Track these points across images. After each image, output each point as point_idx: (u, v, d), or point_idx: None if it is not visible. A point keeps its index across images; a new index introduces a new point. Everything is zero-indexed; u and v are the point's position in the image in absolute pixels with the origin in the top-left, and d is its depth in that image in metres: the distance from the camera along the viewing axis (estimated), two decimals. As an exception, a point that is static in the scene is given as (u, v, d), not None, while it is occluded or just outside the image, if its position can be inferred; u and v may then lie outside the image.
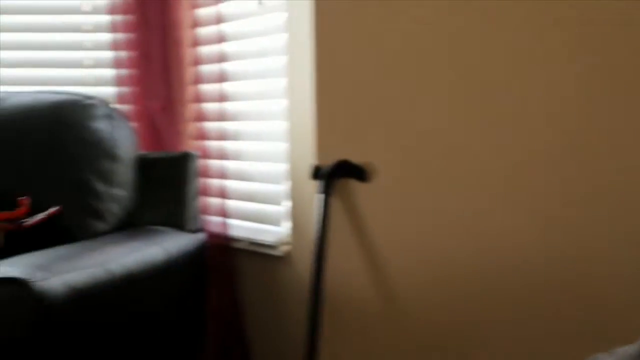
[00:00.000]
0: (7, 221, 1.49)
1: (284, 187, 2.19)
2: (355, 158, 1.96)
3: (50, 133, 2.09)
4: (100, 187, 2.11)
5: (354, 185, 1.98)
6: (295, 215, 2.15)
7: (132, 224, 2.22)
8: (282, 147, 2.18)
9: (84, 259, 1.86)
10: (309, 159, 2.05)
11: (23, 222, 1.50)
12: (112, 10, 2.47)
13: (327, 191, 1.95)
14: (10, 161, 2.10)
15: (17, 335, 1.59)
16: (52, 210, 1.54)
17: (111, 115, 2.17)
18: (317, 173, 2.00)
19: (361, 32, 1.92)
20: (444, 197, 1.89)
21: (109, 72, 2.52)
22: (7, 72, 2.60)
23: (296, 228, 2.16)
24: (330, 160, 1.98)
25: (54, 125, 2.09)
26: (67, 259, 1.82)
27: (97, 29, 2.56)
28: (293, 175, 2.15)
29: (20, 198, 1.49)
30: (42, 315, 1.61)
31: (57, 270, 1.71)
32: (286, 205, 2.19)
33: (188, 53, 2.42)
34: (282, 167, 2.19)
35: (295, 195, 2.15)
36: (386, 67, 1.91)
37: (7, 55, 2.60)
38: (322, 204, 1.94)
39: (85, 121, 2.11)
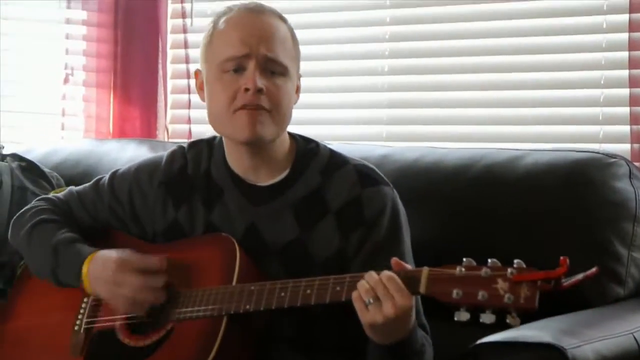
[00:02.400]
0: (545, 281, 1.44)
1: None
2: None
3: (570, 192, 2.05)
4: (621, 250, 2.02)
5: None
6: None
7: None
8: None
9: (609, 326, 1.80)
10: None
11: (563, 282, 1.44)
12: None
13: None
14: (522, 218, 2.08)
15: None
16: (591, 271, 1.47)
17: (633, 174, 2.08)
18: None
19: None
20: None
21: (623, 129, 2.43)
22: (524, 130, 2.62)
23: None
24: None
25: (574, 184, 2.04)
26: (593, 326, 1.77)
27: (608, 84, 2.49)
28: None
29: (562, 257, 1.44)
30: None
31: (585, 338, 1.67)
32: None
33: None
34: None
35: None
36: None
37: (526, 112, 2.62)
38: None
39: (607, 180, 2.03)
